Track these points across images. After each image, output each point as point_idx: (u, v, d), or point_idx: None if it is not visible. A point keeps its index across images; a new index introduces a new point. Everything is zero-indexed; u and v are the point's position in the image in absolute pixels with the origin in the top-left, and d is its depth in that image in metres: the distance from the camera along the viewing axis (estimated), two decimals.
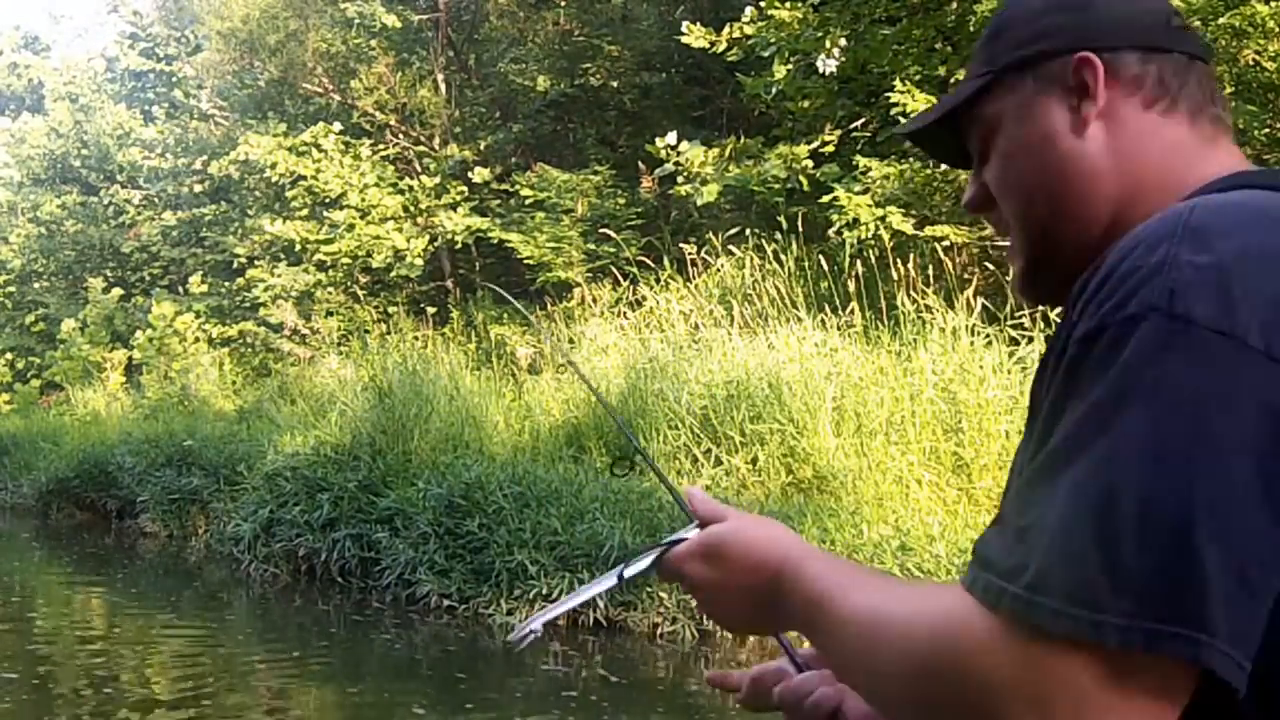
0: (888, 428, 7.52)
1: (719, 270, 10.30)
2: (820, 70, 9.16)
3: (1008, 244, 1.09)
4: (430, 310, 13.65)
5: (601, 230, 11.97)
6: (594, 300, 11.54)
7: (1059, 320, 0.92)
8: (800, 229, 9.51)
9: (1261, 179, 0.94)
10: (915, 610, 0.87)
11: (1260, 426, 0.75)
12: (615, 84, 13.56)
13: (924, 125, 1.12)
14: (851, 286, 8.58)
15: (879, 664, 0.89)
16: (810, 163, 9.51)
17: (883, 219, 8.18)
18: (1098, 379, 0.80)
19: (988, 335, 7.26)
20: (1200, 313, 0.78)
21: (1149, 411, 0.76)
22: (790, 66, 9.45)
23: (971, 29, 8.38)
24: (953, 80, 8.66)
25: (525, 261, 12.62)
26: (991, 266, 7.98)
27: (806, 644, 1.13)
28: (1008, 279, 7.49)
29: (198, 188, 19.12)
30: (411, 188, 14.63)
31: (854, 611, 0.94)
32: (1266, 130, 7.09)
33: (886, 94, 8.26)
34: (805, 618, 1.03)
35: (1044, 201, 1.03)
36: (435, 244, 14.34)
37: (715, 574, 1.16)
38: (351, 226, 14.34)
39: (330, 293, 15.01)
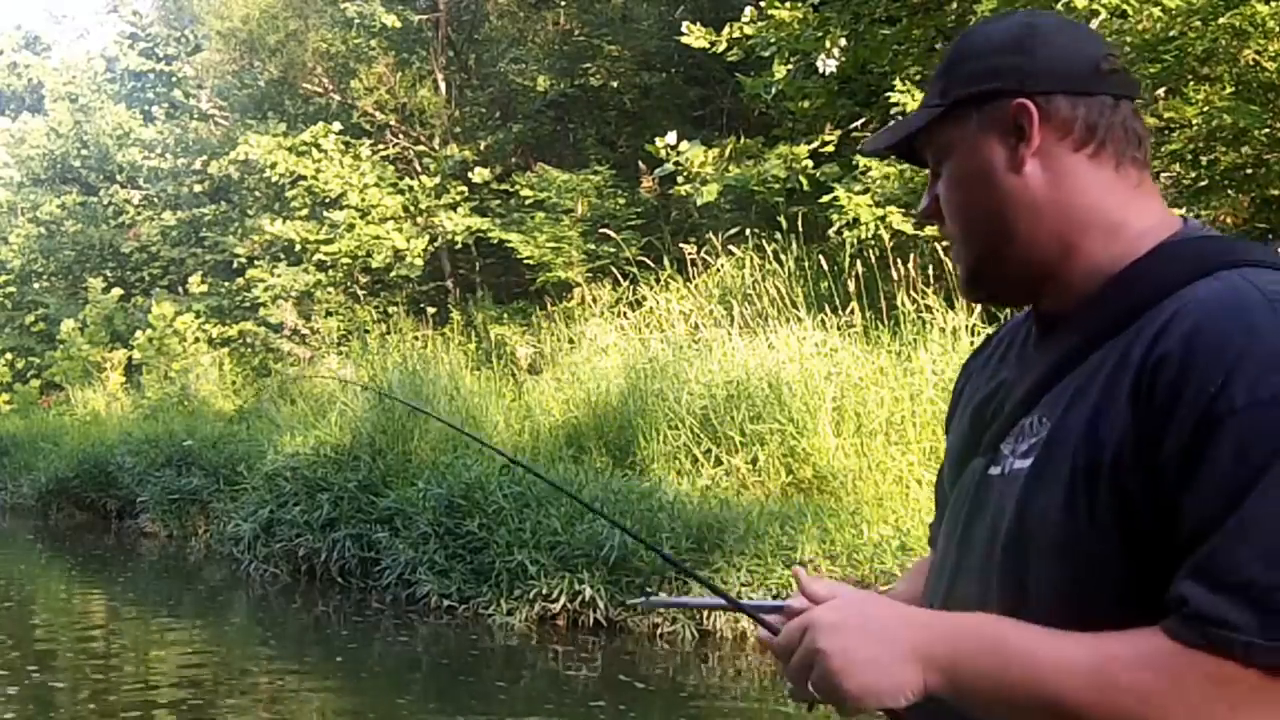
0: (888, 428, 7.52)
1: (719, 270, 10.31)
2: (820, 70, 9.16)
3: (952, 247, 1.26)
4: (430, 310, 13.64)
5: (601, 230, 11.97)
6: (594, 300, 11.53)
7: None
8: (800, 229, 9.51)
9: (1248, 255, 1.10)
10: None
11: None
12: (615, 84, 13.55)
13: (885, 146, 1.28)
14: (851, 286, 8.57)
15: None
16: (810, 163, 9.51)
17: (883, 219, 8.18)
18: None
19: (988, 335, 7.26)
20: None
21: None
22: (790, 66, 9.45)
23: None
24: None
25: (525, 261, 12.61)
26: None
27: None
28: None
29: (198, 188, 19.10)
30: (411, 188, 14.62)
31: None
32: (1266, 130, 7.09)
33: (886, 94, 8.26)
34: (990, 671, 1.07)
35: (985, 227, 1.19)
36: (435, 244, 14.34)
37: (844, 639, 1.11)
38: (351, 226, 14.33)
39: (330, 293, 15.00)
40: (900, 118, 1.38)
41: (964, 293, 1.29)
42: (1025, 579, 1.12)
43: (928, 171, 1.29)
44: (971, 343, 7.39)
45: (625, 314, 10.77)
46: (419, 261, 14.13)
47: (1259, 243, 1.24)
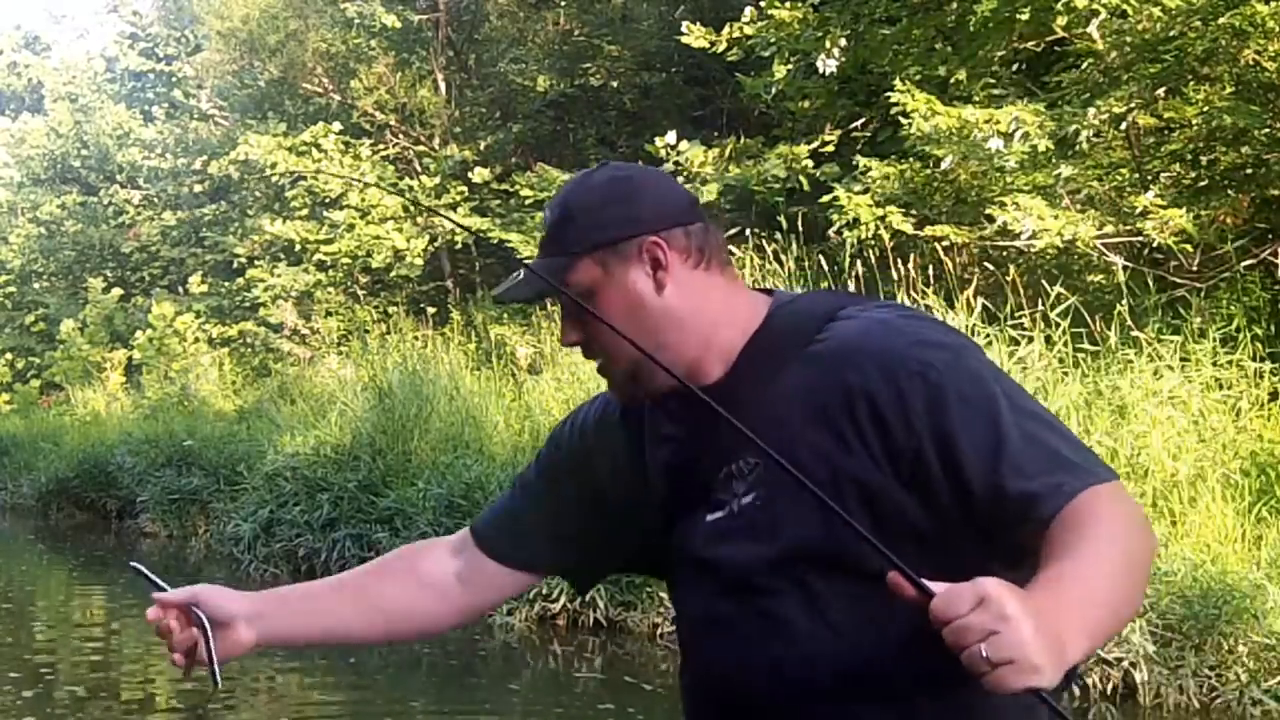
0: None
1: None
2: (820, 70, 9.15)
3: (600, 372, 1.51)
4: (430, 310, 13.64)
5: None
6: None
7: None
8: (800, 229, 9.50)
9: (840, 300, 1.49)
10: (1123, 525, 1.26)
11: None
12: (615, 84, 13.55)
13: (523, 299, 1.54)
14: (852, 286, 8.56)
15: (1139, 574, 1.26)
16: (810, 163, 9.51)
17: (883, 219, 8.18)
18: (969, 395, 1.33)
19: (988, 335, 7.26)
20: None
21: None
22: (790, 66, 9.45)
23: (971, 29, 8.38)
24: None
25: (525, 261, 12.59)
26: (991, 267, 7.98)
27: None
28: (1008, 279, 7.49)
29: (198, 188, 19.10)
30: (411, 188, 14.62)
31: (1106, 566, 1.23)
32: (1266, 130, 7.09)
33: (886, 94, 8.25)
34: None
35: (645, 341, 1.40)
36: (435, 244, 14.33)
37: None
38: (351, 226, 14.33)
39: (330, 293, 15.00)
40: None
41: (625, 399, 1.52)
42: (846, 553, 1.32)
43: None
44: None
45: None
46: (419, 261, 14.13)
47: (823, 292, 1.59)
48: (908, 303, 8.16)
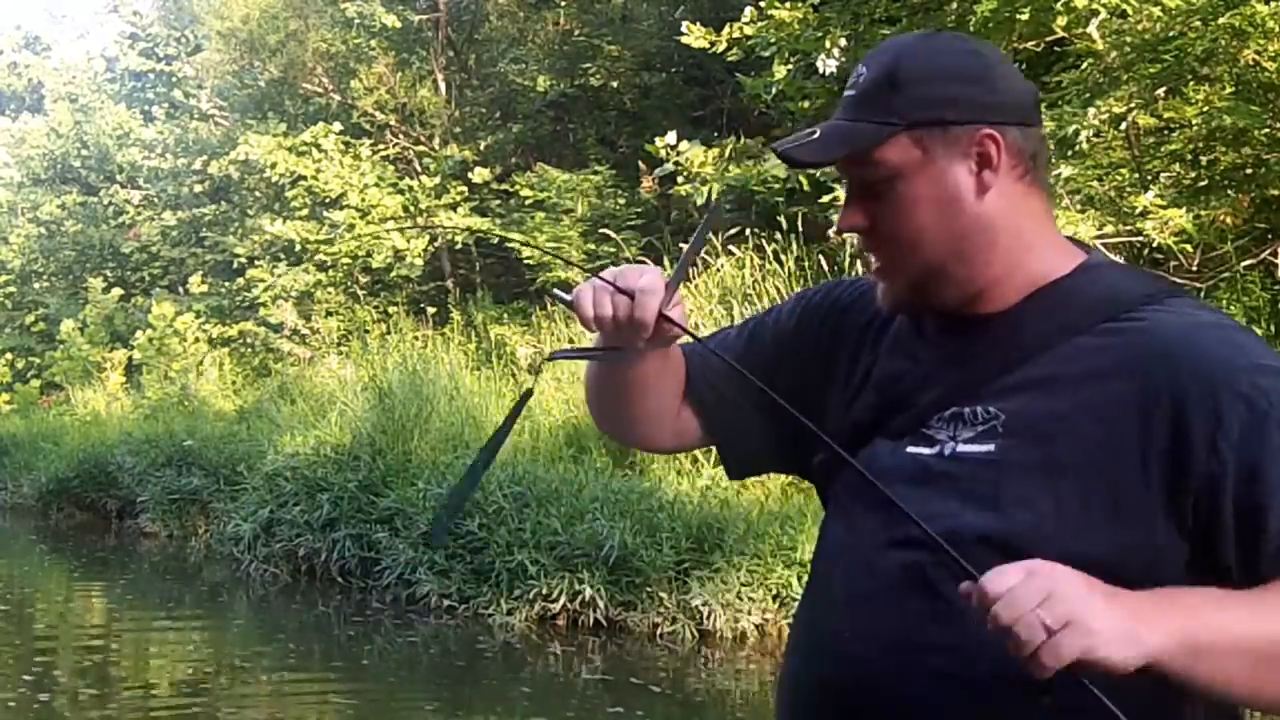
0: None
1: (719, 270, 10.30)
2: (820, 70, 9.15)
3: (874, 266, 1.32)
4: (430, 310, 13.64)
5: (601, 230, 11.96)
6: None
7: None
8: (800, 229, 9.51)
9: (1168, 285, 1.32)
10: None
11: None
12: (615, 84, 13.54)
13: (825, 158, 1.29)
14: None
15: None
16: None
17: None
18: None
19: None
20: None
21: None
22: (790, 66, 9.44)
23: (971, 29, 8.37)
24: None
25: (525, 261, 12.61)
26: None
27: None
28: None
29: (198, 188, 19.09)
30: (411, 188, 14.62)
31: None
32: (1266, 130, 7.09)
33: None
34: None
35: (945, 249, 1.25)
36: (435, 244, 14.33)
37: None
38: (351, 226, 14.33)
39: (330, 293, 15.00)
40: (815, 125, 1.36)
41: (894, 307, 1.34)
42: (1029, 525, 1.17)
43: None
44: None
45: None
46: (419, 261, 14.13)
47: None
48: None
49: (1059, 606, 1.02)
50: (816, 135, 1.28)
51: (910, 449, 1.28)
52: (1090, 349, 1.21)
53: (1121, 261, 1.41)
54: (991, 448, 1.22)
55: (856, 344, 1.41)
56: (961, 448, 1.23)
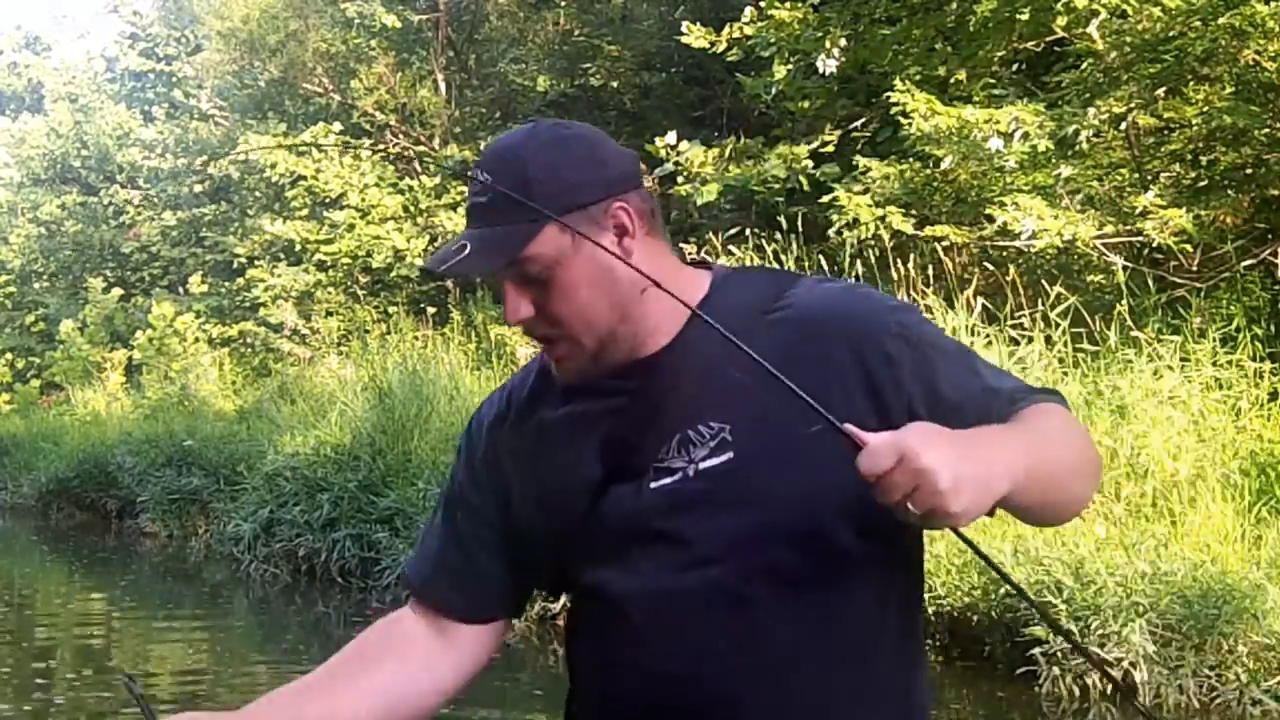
0: None
1: None
2: (820, 70, 9.15)
3: (545, 348, 1.41)
4: (430, 310, 13.64)
5: None
6: None
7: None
8: (800, 229, 9.50)
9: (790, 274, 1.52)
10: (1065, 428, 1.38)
11: None
12: (615, 84, 13.54)
13: (477, 270, 1.42)
14: None
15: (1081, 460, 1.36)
16: (810, 163, 9.50)
17: (883, 219, 8.17)
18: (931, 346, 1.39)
19: (988, 335, 7.26)
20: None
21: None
22: (790, 66, 9.44)
23: (971, 29, 8.38)
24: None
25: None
26: (991, 267, 7.98)
27: None
28: (1007, 279, 7.49)
29: (198, 188, 19.10)
30: (411, 188, 14.62)
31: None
32: (1266, 130, 7.09)
33: (886, 94, 8.25)
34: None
35: (611, 316, 1.36)
36: (435, 244, 14.33)
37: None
38: (351, 226, 14.33)
39: (330, 293, 15.00)
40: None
41: (578, 377, 1.41)
42: (823, 528, 1.32)
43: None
44: (971, 343, 7.37)
45: None
46: (419, 261, 14.13)
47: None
48: (908, 301, 8.15)
49: (923, 501, 1.14)
50: (468, 249, 1.35)
51: (653, 484, 1.35)
52: (764, 343, 1.29)
53: (735, 266, 1.65)
54: (730, 455, 1.33)
55: (519, 440, 1.48)
56: (703, 465, 1.34)
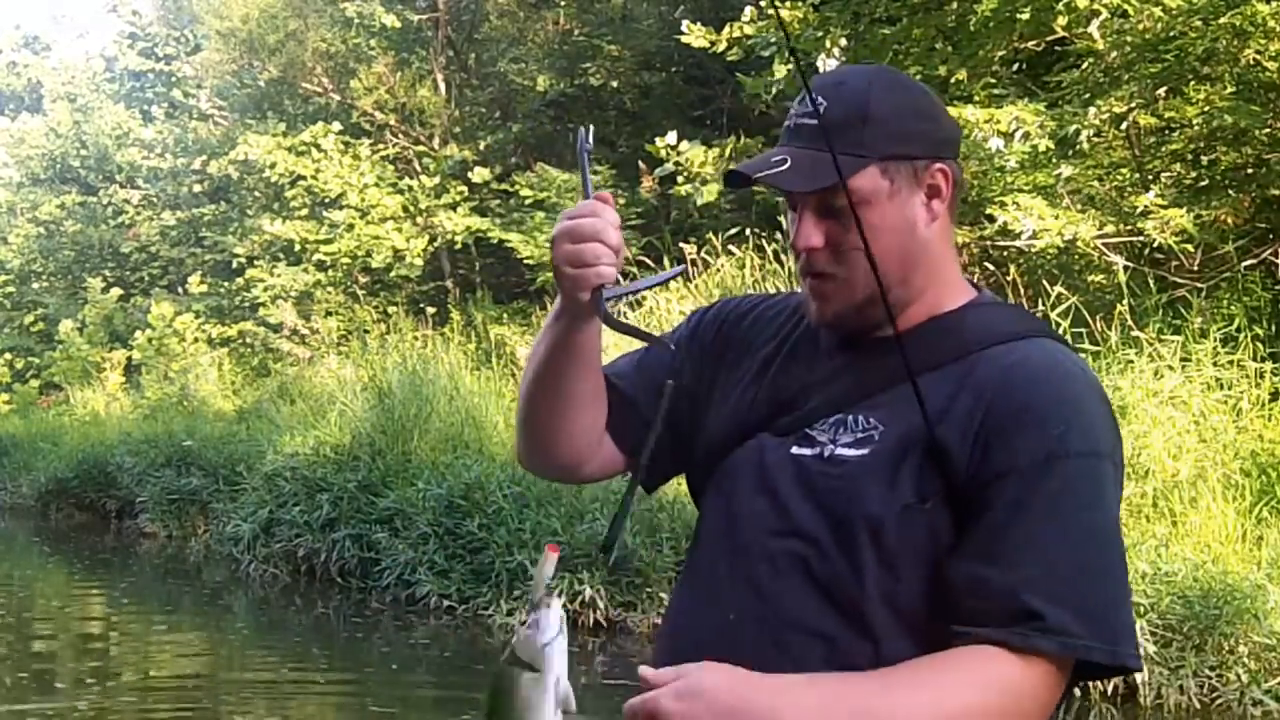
0: None
1: (719, 270, 10.30)
2: (820, 70, 9.15)
3: (813, 282, 1.37)
4: (430, 310, 13.63)
5: None
6: None
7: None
8: None
9: (1044, 327, 1.44)
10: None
11: None
12: (615, 84, 13.54)
13: (794, 187, 1.34)
14: None
15: None
16: None
17: None
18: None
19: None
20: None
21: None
22: (790, 66, 9.44)
23: (971, 29, 8.37)
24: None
25: (525, 261, 12.61)
26: (991, 266, 7.98)
27: None
28: (1008, 279, 7.49)
29: (197, 188, 19.10)
30: (411, 188, 14.61)
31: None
32: (1267, 130, 7.08)
33: None
34: None
35: (896, 273, 1.33)
36: (435, 244, 14.33)
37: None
38: (351, 226, 14.32)
39: (330, 293, 14.99)
40: (784, 157, 1.38)
41: (830, 321, 1.39)
42: (881, 539, 1.28)
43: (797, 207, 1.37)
44: None
45: (625, 314, 10.75)
46: (419, 261, 14.12)
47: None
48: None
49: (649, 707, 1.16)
50: (788, 163, 1.34)
51: (794, 449, 1.36)
52: (959, 374, 1.30)
53: (1009, 303, 1.67)
54: (865, 453, 1.31)
55: (742, 348, 1.50)
56: (840, 450, 1.33)
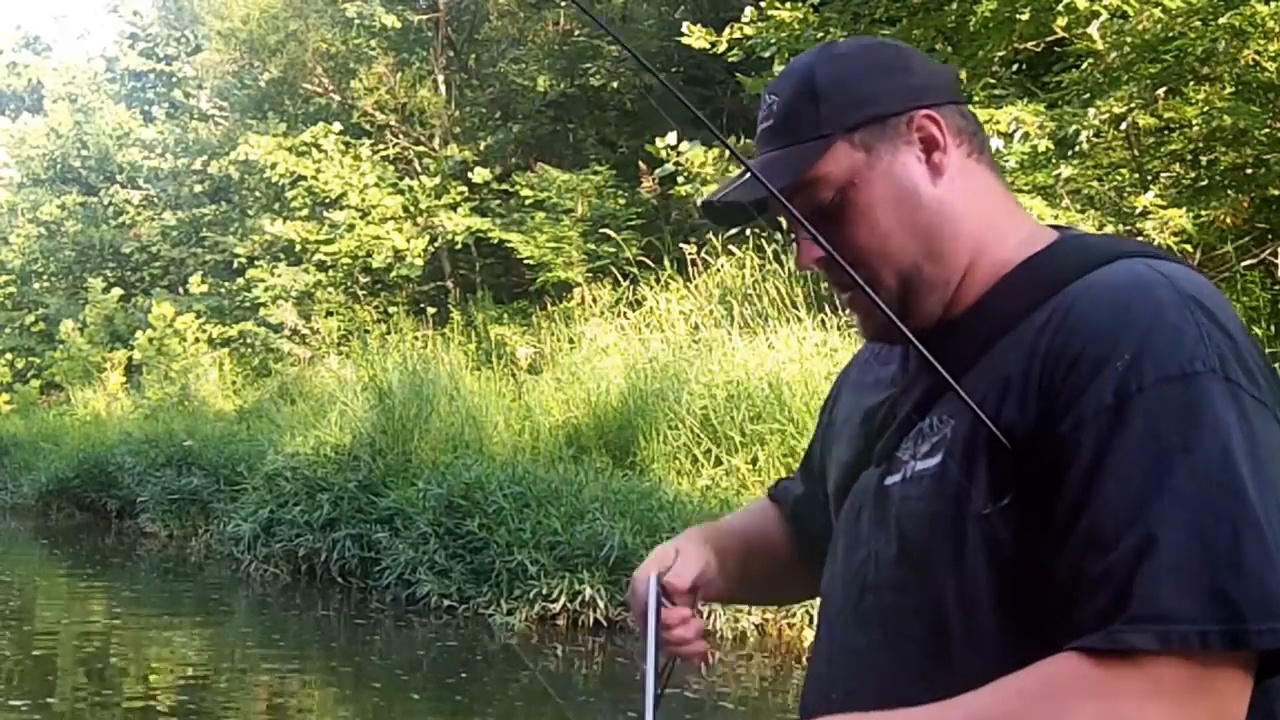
0: None
1: (719, 270, 10.31)
2: None
3: (845, 297, 1.20)
4: (430, 310, 13.65)
5: (601, 230, 11.97)
6: (594, 300, 11.54)
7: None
8: None
9: (1142, 248, 1.12)
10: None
11: None
12: (615, 84, 13.55)
13: (762, 194, 1.15)
14: None
15: None
16: None
17: None
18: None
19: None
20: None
21: None
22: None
23: (971, 29, 8.38)
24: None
25: (525, 262, 12.62)
26: None
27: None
28: None
29: (198, 188, 19.12)
30: (411, 188, 14.63)
31: None
32: (1266, 130, 7.09)
33: None
34: None
35: (915, 249, 1.15)
36: (435, 244, 14.34)
37: None
38: (352, 227, 14.34)
39: (330, 293, 15.01)
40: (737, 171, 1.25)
41: (878, 333, 1.21)
42: (962, 567, 1.07)
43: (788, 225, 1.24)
44: None
45: (625, 314, 10.77)
46: (419, 262, 14.14)
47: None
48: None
49: None
50: (747, 175, 1.16)
51: (886, 479, 1.18)
52: (1033, 326, 1.07)
53: (1099, 234, 1.30)
54: (936, 462, 1.11)
55: (851, 391, 1.38)
56: (919, 466, 1.13)
